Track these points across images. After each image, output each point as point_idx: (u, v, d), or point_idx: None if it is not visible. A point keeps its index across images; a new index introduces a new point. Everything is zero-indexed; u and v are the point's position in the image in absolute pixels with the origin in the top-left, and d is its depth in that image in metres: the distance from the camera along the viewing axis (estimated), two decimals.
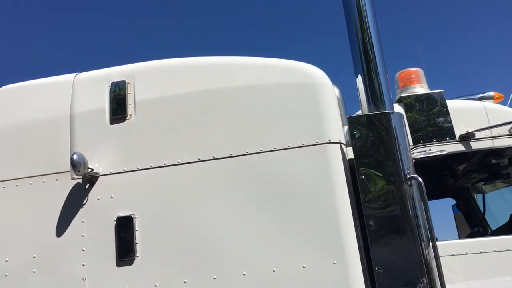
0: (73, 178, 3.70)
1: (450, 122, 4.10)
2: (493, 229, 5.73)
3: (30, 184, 3.73)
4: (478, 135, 4.06)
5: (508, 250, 3.74)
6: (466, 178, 5.30)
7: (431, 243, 3.33)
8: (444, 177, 5.26)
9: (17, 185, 3.74)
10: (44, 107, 3.93)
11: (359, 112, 4.03)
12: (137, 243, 3.50)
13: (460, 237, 5.85)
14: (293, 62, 3.78)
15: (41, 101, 3.96)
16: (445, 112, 4.13)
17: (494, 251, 3.75)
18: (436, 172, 5.03)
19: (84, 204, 3.64)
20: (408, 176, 3.39)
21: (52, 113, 3.89)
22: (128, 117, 3.79)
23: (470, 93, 4.69)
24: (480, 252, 3.76)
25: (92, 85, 3.93)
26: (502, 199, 5.79)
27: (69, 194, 3.67)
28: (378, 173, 3.41)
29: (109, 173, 3.68)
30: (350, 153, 3.60)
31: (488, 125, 4.06)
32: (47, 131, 3.85)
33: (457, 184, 5.62)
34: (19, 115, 3.95)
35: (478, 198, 6.09)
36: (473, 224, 5.84)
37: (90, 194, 3.66)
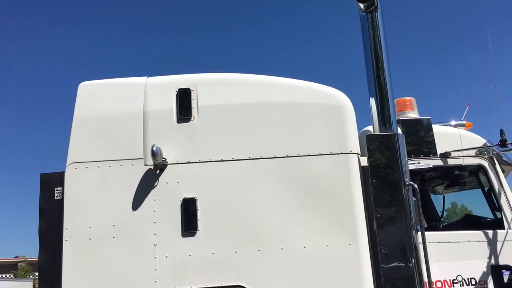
0: (145, 164, 4.56)
1: (434, 142, 5.34)
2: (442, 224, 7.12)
3: (110, 166, 4.55)
4: (453, 154, 5.33)
5: (468, 241, 5.05)
6: (429, 182, 6.60)
7: (419, 232, 4.55)
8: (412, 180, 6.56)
9: (98, 166, 4.55)
10: (121, 103, 4.73)
11: (369, 127, 5.17)
12: (198, 220, 4.45)
13: None
14: (327, 88, 4.83)
15: (118, 97, 4.76)
16: (430, 134, 5.36)
17: (459, 242, 5.05)
18: None
19: (155, 186, 4.52)
20: (407, 182, 4.58)
21: (127, 108, 4.71)
22: (192, 119, 4.69)
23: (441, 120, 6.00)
24: (449, 242, 5.04)
25: (162, 89, 4.78)
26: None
27: (142, 177, 4.53)
28: (386, 179, 4.57)
29: (176, 162, 4.58)
30: (362, 161, 4.72)
31: (461, 148, 5.34)
32: (123, 123, 4.66)
33: (420, 186, 6.92)
34: (99, 107, 4.73)
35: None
36: (429, 219, 7.19)
37: (160, 178, 4.54)
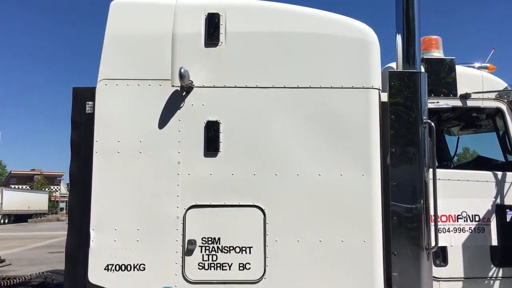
0: (173, 86, 4.71)
1: (455, 83, 5.40)
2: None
3: (138, 85, 4.71)
4: (473, 96, 5.40)
5: (478, 181, 5.26)
6: (446, 123, 6.71)
7: (430, 169, 4.74)
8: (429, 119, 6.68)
9: (127, 84, 4.71)
10: (151, 23, 4.80)
11: (393, 64, 5.23)
12: (220, 142, 4.66)
13: None
14: (354, 21, 4.85)
15: (148, 17, 4.82)
16: (453, 75, 5.41)
17: (468, 180, 5.25)
18: None
19: (181, 107, 4.70)
20: (424, 120, 4.70)
21: (156, 29, 4.79)
22: (219, 44, 4.77)
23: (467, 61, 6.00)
24: (458, 180, 5.25)
25: (191, 12, 4.82)
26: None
27: (169, 98, 4.70)
28: (404, 115, 4.70)
29: (202, 86, 4.73)
30: (382, 97, 4.82)
31: (482, 90, 5.40)
32: (152, 44, 4.76)
33: (436, 126, 7.04)
34: (129, 26, 4.81)
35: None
36: (441, 158, 7.37)
37: (186, 100, 4.71)
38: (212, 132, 4.67)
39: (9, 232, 36.43)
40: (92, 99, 4.71)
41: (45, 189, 76.55)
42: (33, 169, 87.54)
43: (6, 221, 54.30)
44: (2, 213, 53.53)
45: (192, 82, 4.66)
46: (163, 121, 4.68)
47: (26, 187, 74.61)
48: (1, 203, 52.79)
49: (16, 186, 72.04)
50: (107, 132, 4.65)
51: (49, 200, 73.62)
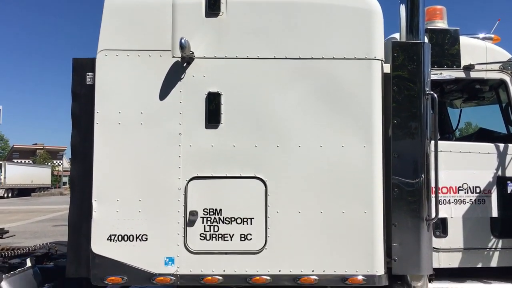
0: (173, 57, 4.67)
1: (459, 54, 5.33)
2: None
3: (139, 56, 4.67)
4: (477, 67, 5.34)
5: (479, 152, 5.25)
6: (448, 95, 6.66)
7: (432, 141, 4.73)
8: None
9: (128, 55, 4.67)
10: None
11: (396, 35, 5.16)
12: (222, 114, 4.65)
13: None
14: None
15: None
16: (457, 45, 5.33)
17: (470, 152, 5.24)
18: None
19: (182, 78, 4.67)
20: (427, 92, 4.67)
21: None
22: (220, 14, 4.71)
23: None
24: (460, 152, 5.24)
25: None
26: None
27: (170, 69, 4.66)
28: (406, 87, 4.66)
29: (203, 57, 4.68)
30: (385, 68, 4.77)
31: (485, 61, 5.34)
32: (153, 14, 4.70)
33: (439, 98, 6.99)
34: None
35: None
36: (443, 131, 7.34)
37: (187, 71, 4.67)
38: (213, 104, 4.65)
39: (13, 206, 36.75)
40: (93, 70, 4.68)
41: (47, 164, 76.87)
42: (36, 144, 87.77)
43: (10, 195, 54.66)
44: (6, 187, 53.82)
45: (193, 53, 4.62)
46: (164, 93, 4.65)
47: (28, 162, 74.87)
48: (4, 177, 53.03)
49: (19, 161, 72.28)
50: (107, 103, 4.64)
51: (52, 175, 73.97)
